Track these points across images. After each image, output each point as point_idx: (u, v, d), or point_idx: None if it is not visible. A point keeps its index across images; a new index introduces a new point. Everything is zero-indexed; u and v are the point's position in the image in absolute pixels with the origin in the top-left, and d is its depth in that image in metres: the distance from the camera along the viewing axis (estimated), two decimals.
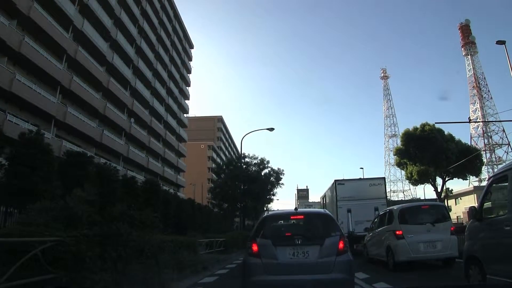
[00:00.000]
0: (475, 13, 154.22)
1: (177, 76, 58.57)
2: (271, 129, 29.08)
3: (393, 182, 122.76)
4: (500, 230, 5.33)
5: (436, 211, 10.72)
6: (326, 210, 7.11)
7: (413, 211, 10.72)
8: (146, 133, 45.13)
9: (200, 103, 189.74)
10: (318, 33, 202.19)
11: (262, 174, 36.64)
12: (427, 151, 44.12)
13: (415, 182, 46.31)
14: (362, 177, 29.32)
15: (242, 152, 33.36)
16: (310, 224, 6.22)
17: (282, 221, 6.72)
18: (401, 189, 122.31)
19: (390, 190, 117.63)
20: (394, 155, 48.74)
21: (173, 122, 56.34)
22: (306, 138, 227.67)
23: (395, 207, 11.34)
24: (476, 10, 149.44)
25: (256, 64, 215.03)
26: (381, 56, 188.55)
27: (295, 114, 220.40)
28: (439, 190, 46.69)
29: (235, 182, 31.51)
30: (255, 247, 5.54)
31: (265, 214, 6.58)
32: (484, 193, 6.38)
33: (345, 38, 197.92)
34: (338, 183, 18.40)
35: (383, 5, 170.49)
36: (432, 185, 46.77)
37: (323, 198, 26.39)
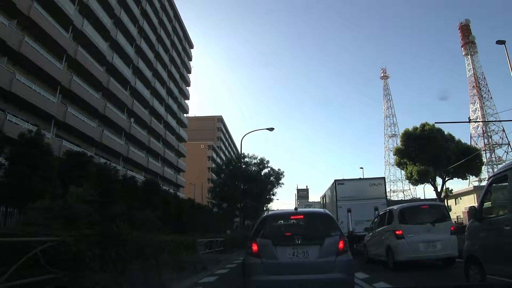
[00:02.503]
0: (475, 13, 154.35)
1: (177, 76, 58.57)
2: (271, 129, 29.04)
3: (393, 182, 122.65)
4: (500, 230, 5.31)
5: (436, 210, 10.73)
6: (326, 210, 6.99)
7: (413, 211, 10.70)
8: (146, 133, 45.12)
9: (200, 103, 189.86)
10: (318, 33, 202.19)
11: (262, 174, 36.65)
12: (427, 151, 44.13)
13: (415, 182, 46.30)
14: (362, 177, 30.16)
15: (242, 152, 33.33)
16: (310, 224, 6.25)
17: (282, 221, 6.72)
18: (401, 189, 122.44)
19: (390, 190, 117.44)
20: (394, 155, 48.83)
21: (173, 122, 56.33)
22: (306, 138, 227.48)
23: (395, 207, 11.34)
24: (476, 10, 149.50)
25: (256, 64, 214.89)
26: (381, 56, 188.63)
27: (295, 114, 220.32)
28: (439, 190, 46.72)
29: (234, 182, 31.37)
30: (255, 247, 5.55)
31: (265, 214, 6.56)
32: (484, 193, 6.38)
33: (345, 38, 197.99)
34: (338, 183, 18.42)
35: (383, 5, 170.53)
36: (432, 185, 46.77)
37: (323, 198, 26.51)
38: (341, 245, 5.47)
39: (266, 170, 37.08)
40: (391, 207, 11.79)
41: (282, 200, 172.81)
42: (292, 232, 6.11)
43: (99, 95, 33.69)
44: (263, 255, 5.41)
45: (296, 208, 6.38)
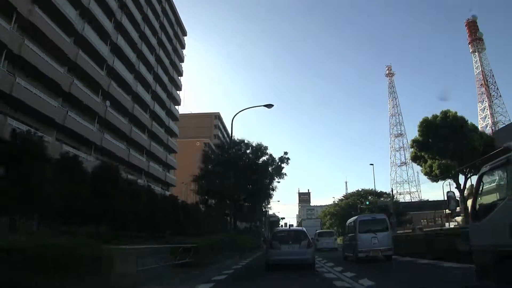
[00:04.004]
0: (481, 9, 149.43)
1: (166, 61, 52.79)
2: (269, 106, 23.30)
3: (400, 184, 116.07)
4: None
5: (379, 221, 16.58)
6: (303, 228, 18.06)
7: (366, 222, 16.68)
8: (127, 121, 39.26)
9: (198, 101, 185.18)
10: (320, 31, 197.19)
11: (260, 161, 29.14)
12: (450, 142, 38.33)
13: (435, 177, 40.28)
14: (312, 218, 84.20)
15: (235, 137, 26.95)
16: (295, 234, 14.14)
17: (283, 233, 15.33)
18: (407, 190, 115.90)
19: (397, 191, 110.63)
20: (410, 147, 42.65)
21: (161, 113, 50.41)
22: (306, 138, 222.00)
23: (352, 219, 18.46)
24: (482, 6, 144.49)
25: (256, 63, 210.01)
26: (385, 55, 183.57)
27: (295, 115, 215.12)
28: (462, 187, 40.91)
29: (225, 169, 24.91)
30: (272, 244, 13.28)
31: (275, 229, 21.65)
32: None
33: (347, 38, 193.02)
34: (302, 220, 78.65)
35: (387, 3, 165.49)
36: (454, 181, 40.87)
37: (300, 223, 75.32)
38: (309, 244, 13.06)
39: (264, 158, 29.38)
40: (353, 218, 18.33)
41: (283, 202, 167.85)
42: (288, 237, 13.61)
43: (64, 70, 27.96)
44: (275, 247, 12.96)
45: (289, 227, 43.25)
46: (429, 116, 40.40)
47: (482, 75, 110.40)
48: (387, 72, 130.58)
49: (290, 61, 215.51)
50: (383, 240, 15.16)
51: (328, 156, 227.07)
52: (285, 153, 29.86)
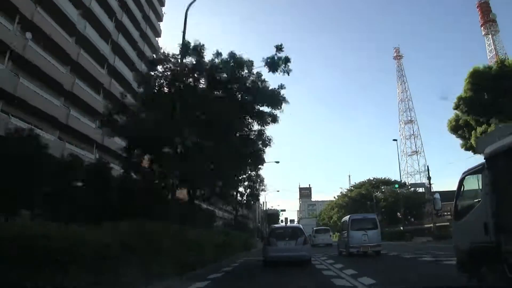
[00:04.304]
0: None
1: (138, 14, 41.94)
2: None
3: (410, 175, 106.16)
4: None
5: (369, 220, 19.09)
6: (300, 225, 18.31)
7: (358, 221, 18.89)
8: (69, 71, 28.43)
9: None
10: (323, 26, 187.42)
11: (236, 86, 15.37)
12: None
13: None
14: (309, 217, 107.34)
15: (191, 43, 14.84)
16: (292, 231, 14.60)
17: (280, 230, 15.39)
18: (419, 181, 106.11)
19: (408, 182, 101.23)
20: (454, 108, 31.91)
21: (128, 75, 39.58)
22: (307, 135, 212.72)
23: (347, 217, 20.66)
24: None
25: (255, 55, 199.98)
26: (390, 42, 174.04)
27: (295, 110, 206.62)
28: None
29: (165, 97, 12.76)
30: (269, 241, 14.00)
31: (272, 226, 18.67)
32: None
33: (348, 32, 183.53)
34: (300, 219, 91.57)
35: None
36: None
37: (299, 221, 80.00)
38: (305, 240, 13.94)
39: (249, 80, 15.39)
40: (346, 217, 21.13)
41: (284, 197, 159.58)
42: (284, 234, 14.19)
43: None
44: (272, 244, 13.64)
45: (286, 224, 34.87)
46: (437, 114, 29.96)
47: (496, 59, 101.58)
48: (395, 54, 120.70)
49: (291, 55, 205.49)
50: (372, 237, 17.62)
51: (330, 150, 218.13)
52: (279, 47, 15.34)
